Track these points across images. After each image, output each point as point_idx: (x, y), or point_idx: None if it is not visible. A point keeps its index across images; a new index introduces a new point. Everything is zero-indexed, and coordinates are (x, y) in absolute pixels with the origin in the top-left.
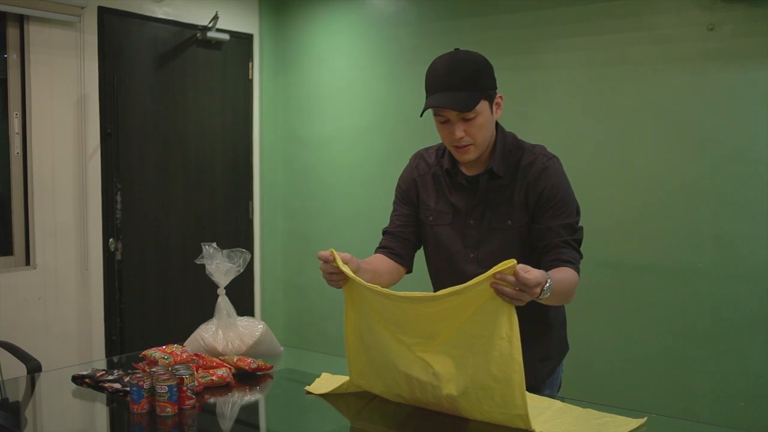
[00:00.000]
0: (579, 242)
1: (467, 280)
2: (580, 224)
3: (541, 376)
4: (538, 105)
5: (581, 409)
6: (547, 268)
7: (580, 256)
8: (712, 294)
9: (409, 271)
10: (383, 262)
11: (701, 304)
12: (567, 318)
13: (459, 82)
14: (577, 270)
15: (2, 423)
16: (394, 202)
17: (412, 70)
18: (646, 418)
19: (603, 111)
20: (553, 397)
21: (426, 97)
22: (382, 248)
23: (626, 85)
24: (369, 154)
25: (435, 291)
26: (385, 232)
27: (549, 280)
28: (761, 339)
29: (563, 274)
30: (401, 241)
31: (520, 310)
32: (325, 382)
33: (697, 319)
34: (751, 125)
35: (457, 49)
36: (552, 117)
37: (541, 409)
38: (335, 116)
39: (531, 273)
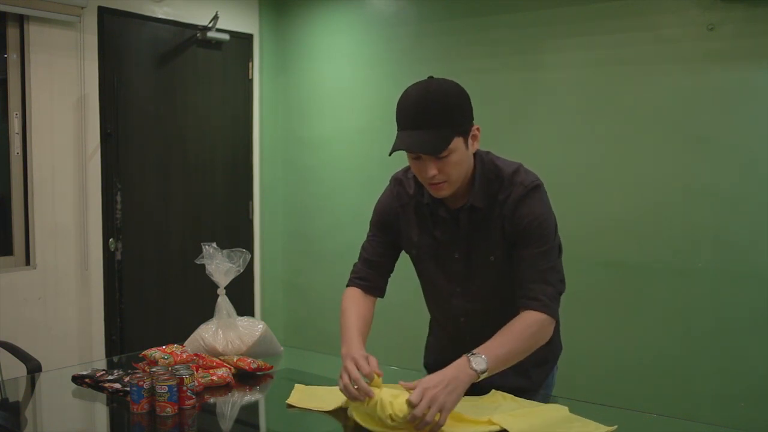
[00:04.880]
0: (556, 270)
1: (454, 314)
2: (558, 241)
3: (538, 380)
4: (538, 105)
5: (559, 409)
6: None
7: (556, 289)
8: (711, 294)
9: (381, 297)
10: (364, 307)
11: (701, 304)
12: (565, 318)
13: (429, 121)
14: (546, 308)
15: (2, 423)
16: (373, 224)
17: (412, 70)
18: (615, 426)
19: (603, 111)
20: (548, 396)
21: (397, 130)
22: (358, 279)
23: (626, 85)
24: (369, 154)
25: (429, 311)
26: (363, 259)
27: (477, 364)
28: (761, 339)
29: (513, 332)
30: (379, 270)
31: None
32: (302, 395)
33: (696, 319)
34: (751, 125)
35: (431, 77)
36: (552, 117)
37: (510, 407)
38: (335, 116)
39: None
